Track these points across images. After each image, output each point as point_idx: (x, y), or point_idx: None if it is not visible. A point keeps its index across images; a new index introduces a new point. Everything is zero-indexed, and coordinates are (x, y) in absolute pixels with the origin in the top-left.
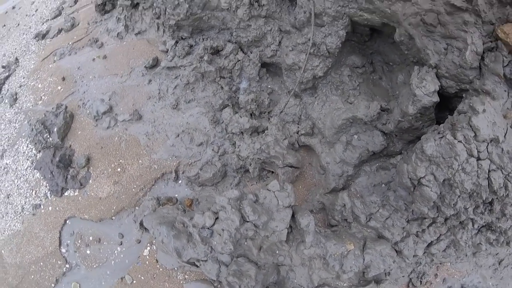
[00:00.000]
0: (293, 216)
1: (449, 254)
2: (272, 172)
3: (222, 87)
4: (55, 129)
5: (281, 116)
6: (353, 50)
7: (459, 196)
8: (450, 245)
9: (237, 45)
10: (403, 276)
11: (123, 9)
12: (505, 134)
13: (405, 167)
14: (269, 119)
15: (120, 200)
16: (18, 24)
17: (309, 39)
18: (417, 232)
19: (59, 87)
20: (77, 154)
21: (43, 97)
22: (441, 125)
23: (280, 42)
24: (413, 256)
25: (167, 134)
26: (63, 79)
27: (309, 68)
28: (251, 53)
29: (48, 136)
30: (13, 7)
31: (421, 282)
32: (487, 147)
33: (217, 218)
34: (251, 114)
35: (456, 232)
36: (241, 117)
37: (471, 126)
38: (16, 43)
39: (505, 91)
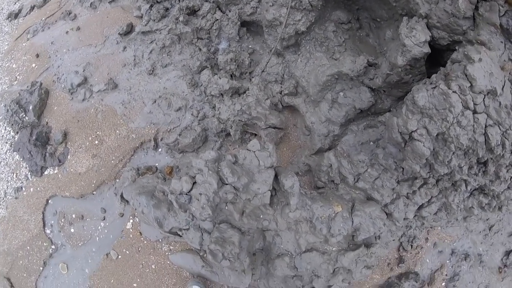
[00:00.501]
0: (276, 177)
1: (440, 218)
2: (255, 135)
3: (200, 49)
4: (31, 107)
5: (263, 76)
6: (338, 5)
7: (453, 153)
8: (441, 208)
9: (214, 4)
10: (393, 240)
11: None
12: (503, 87)
13: (395, 120)
14: (250, 79)
15: (99, 173)
16: None
17: None
18: (407, 193)
19: (33, 65)
20: (54, 130)
21: (18, 77)
22: (434, 75)
23: None
24: (404, 219)
25: (143, 101)
26: (37, 55)
27: (291, 23)
28: (229, 11)
29: (24, 115)
30: None
31: (411, 246)
32: (484, 99)
33: (194, 183)
34: (231, 75)
35: (448, 194)
36: (220, 78)
37: (466, 76)
38: None
39: (502, 42)
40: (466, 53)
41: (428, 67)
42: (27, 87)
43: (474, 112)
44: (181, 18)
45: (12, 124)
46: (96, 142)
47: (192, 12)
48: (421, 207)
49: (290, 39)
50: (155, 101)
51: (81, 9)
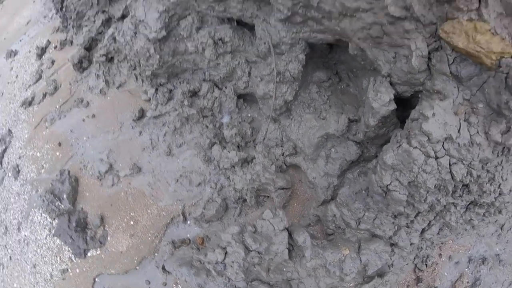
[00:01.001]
0: (290, 235)
1: (445, 235)
2: (268, 196)
3: (207, 126)
4: (65, 196)
5: (265, 142)
6: (317, 66)
7: (427, 192)
8: (442, 227)
9: (211, 82)
10: (407, 264)
11: (100, 65)
12: (459, 129)
13: (373, 177)
14: (254, 147)
15: (139, 250)
16: (2, 94)
17: (273, 69)
18: (406, 223)
19: (57, 153)
20: (90, 215)
21: (44, 165)
22: (398, 133)
23: (249, 73)
24: (410, 245)
25: (167, 181)
26: (59, 144)
27: (279, 95)
28: (225, 88)
29: (60, 203)
30: None
31: (426, 265)
32: (443, 145)
33: (226, 253)
34: (238, 146)
35: (444, 215)
36: (229, 152)
37: (423, 132)
38: (5, 114)
39: (455, 87)
40: (421, 111)
41: (402, 111)
42: (57, 176)
43: (436, 158)
44: (185, 102)
45: (49, 212)
46: (132, 222)
47: (194, 93)
48: (423, 231)
49: (282, 107)
50: (177, 180)
51: (92, 95)
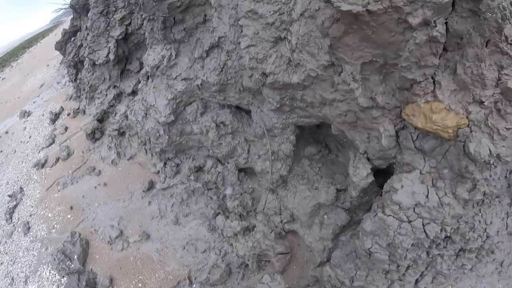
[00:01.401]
0: None
1: (441, 282)
2: (269, 260)
3: (211, 198)
4: (75, 257)
5: (264, 211)
6: (307, 142)
7: (406, 251)
8: (436, 276)
9: (215, 159)
10: None
11: (112, 138)
12: (427, 195)
13: (357, 242)
14: (255, 216)
15: None
16: (15, 151)
17: (268, 150)
18: (399, 277)
19: (69, 216)
20: (99, 276)
21: (55, 226)
22: (375, 204)
23: (248, 150)
24: None
25: (174, 248)
26: (71, 208)
27: (275, 170)
28: (228, 163)
29: (70, 263)
30: (6, 132)
31: None
32: (414, 210)
33: None
34: (240, 216)
35: (434, 265)
36: (232, 221)
37: (394, 202)
38: (17, 171)
39: (421, 158)
40: (391, 184)
41: (384, 177)
42: (68, 237)
43: (409, 221)
44: (192, 177)
45: (59, 270)
46: (140, 285)
47: (199, 168)
48: (417, 282)
49: (278, 181)
50: (184, 247)
51: (103, 165)
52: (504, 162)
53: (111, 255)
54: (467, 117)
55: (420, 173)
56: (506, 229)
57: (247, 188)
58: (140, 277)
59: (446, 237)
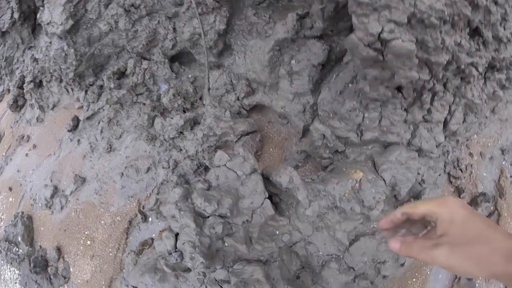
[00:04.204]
0: (269, 181)
1: (471, 122)
2: (233, 149)
3: (144, 103)
4: (19, 238)
5: (212, 93)
6: None
7: (440, 31)
8: (467, 112)
9: (136, 56)
10: (439, 175)
11: (31, 94)
12: None
13: (353, 38)
14: (203, 104)
15: (104, 272)
16: None
17: (191, 1)
18: (423, 116)
19: (10, 199)
20: (49, 250)
21: (2, 217)
22: None
23: (174, 28)
24: (436, 146)
25: (113, 180)
26: (10, 189)
27: (208, 28)
28: (153, 55)
29: (17, 248)
30: None
31: (461, 170)
32: None
33: (177, 234)
34: (184, 111)
35: (464, 93)
36: (172, 118)
37: None
38: None
39: None
40: None
41: None
42: (11, 221)
43: None
44: (111, 85)
45: (11, 262)
46: (88, 242)
47: (121, 74)
48: (446, 123)
49: (217, 44)
50: (122, 174)
51: (31, 128)
52: None
53: (53, 221)
54: None
55: None
56: None
57: (187, 79)
58: (86, 232)
59: (476, 34)
